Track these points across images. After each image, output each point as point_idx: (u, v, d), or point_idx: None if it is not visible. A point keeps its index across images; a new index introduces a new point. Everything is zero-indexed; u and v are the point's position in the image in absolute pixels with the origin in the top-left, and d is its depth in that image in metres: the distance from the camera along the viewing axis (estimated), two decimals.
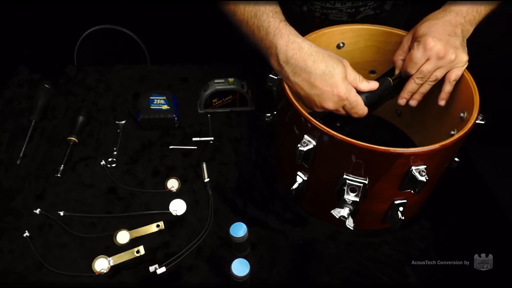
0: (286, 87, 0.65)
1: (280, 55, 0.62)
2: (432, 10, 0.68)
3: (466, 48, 0.65)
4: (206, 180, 0.79)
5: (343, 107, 0.63)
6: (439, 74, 0.66)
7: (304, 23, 0.69)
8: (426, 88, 0.68)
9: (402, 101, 0.70)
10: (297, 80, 0.62)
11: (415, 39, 0.66)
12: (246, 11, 0.65)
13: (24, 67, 1.01)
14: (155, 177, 0.80)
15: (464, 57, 0.64)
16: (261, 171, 0.81)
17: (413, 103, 0.71)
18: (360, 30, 0.76)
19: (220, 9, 0.71)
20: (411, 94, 0.69)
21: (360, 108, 0.64)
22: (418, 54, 0.64)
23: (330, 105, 0.62)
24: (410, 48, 0.66)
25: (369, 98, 0.65)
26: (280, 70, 0.64)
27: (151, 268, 0.66)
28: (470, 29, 0.67)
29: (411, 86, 0.68)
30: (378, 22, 0.77)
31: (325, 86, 0.61)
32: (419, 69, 0.65)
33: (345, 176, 0.61)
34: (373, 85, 0.65)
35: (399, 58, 0.69)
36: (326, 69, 0.60)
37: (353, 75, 0.63)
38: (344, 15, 0.85)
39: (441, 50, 0.62)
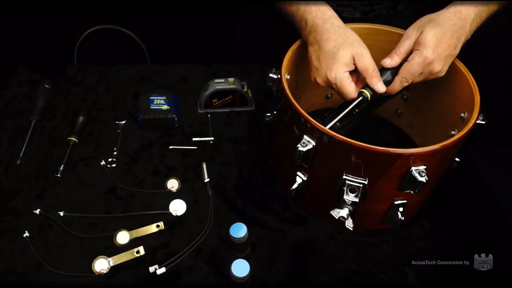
0: (285, 85, 0.65)
1: (307, 27, 0.68)
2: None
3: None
4: (206, 180, 0.79)
5: (332, 88, 0.66)
6: (418, 80, 0.67)
7: None
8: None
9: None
10: (311, 49, 0.68)
11: (418, 44, 0.64)
12: None
13: (24, 67, 1.01)
14: (155, 177, 0.80)
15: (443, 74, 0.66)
16: (261, 171, 0.81)
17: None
18: (361, 29, 0.76)
19: None
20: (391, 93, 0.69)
21: (346, 92, 0.64)
22: (417, 67, 0.64)
23: (320, 81, 0.67)
24: (413, 50, 0.65)
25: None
26: (307, 36, 0.69)
27: (151, 269, 0.66)
28: (469, 37, 0.67)
29: (394, 88, 0.67)
30: (389, 21, 0.77)
31: (323, 63, 0.65)
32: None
33: (344, 177, 0.61)
34: (381, 87, 0.65)
35: (402, 55, 0.66)
36: (333, 49, 0.64)
37: (366, 64, 0.64)
38: (357, 13, 0.85)
39: (437, 69, 0.64)
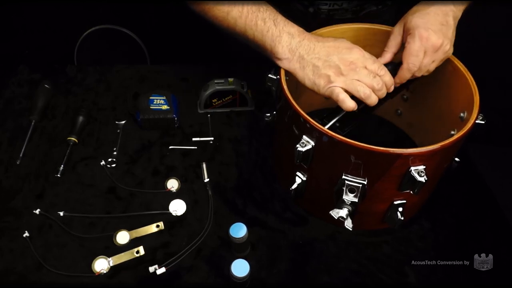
0: (285, 86, 0.65)
1: (293, 39, 0.65)
2: None
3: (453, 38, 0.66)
4: (206, 180, 0.79)
5: (366, 67, 0.62)
6: (432, 67, 0.66)
7: (306, 23, 0.70)
8: (416, 77, 0.68)
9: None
10: (312, 56, 0.64)
11: (407, 31, 0.65)
12: (245, 8, 0.67)
13: (24, 67, 1.01)
14: (155, 177, 0.80)
15: (452, 50, 0.66)
16: (261, 171, 0.81)
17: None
18: (360, 29, 0.76)
19: (194, 9, 0.72)
20: (402, 82, 0.68)
21: (388, 75, 0.64)
22: (416, 47, 0.63)
23: (355, 56, 0.62)
24: (404, 40, 0.66)
25: None
26: (291, 57, 0.66)
27: (151, 269, 0.66)
28: (459, 14, 0.67)
29: (404, 75, 0.67)
30: (380, 17, 0.77)
31: (342, 47, 0.63)
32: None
33: (344, 177, 0.61)
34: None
35: (391, 50, 0.69)
36: (336, 40, 0.65)
37: (372, 60, 0.64)
38: (348, 13, 0.85)
39: (437, 41, 0.63)
